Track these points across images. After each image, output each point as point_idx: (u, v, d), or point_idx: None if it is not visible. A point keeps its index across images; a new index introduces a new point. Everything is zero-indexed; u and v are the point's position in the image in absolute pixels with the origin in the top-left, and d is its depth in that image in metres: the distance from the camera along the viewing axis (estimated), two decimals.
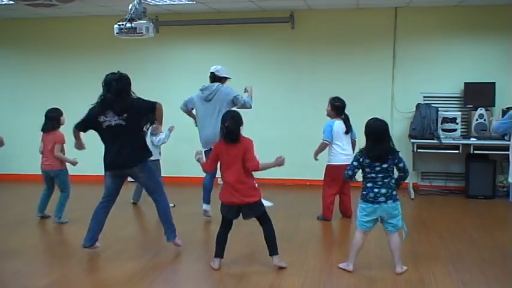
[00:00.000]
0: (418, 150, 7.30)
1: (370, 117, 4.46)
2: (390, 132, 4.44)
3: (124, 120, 4.69)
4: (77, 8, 7.55)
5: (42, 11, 7.87)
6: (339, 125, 5.99)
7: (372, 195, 4.30)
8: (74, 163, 6.19)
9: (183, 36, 8.35)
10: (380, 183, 4.29)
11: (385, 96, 7.85)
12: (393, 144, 4.40)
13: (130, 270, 4.59)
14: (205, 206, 6.16)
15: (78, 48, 8.63)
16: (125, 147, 4.74)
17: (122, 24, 5.35)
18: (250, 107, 6.08)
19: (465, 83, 7.48)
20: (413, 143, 7.28)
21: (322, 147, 6.06)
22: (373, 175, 4.30)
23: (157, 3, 7.30)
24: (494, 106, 7.32)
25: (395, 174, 4.44)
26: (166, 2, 7.27)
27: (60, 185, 6.18)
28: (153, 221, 6.53)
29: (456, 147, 7.11)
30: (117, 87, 4.71)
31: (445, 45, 7.65)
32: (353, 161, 4.45)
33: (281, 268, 4.50)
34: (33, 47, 8.79)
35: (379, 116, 4.49)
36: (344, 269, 4.50)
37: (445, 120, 7.27)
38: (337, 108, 6.02)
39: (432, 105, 7.49)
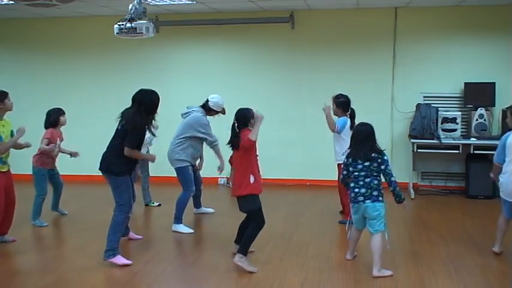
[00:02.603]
0: (418, 150, 7.30)
1: (359, 122, 4.65)
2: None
3: (122, 126, 4.70)
4: (77, 8, 7.55)
5: (42, 11, 7.87)
6: (348, 122, 5.81)
7: (352, 195, 4.45)
8: (51, 149, 5.90)
9: (183, 36, 8.35)
10: (361, 183, 4.38)
11: (385, 96, 7.85)
12: (378, 147, 4.43)
13: (131, 270, 4.59)
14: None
15: (78, 48, 8.63)
16: (107, 150, 4.76)
17: (122, 24, 5.34)
18: (211, 144, 5.84)
19: (465, 83, 7.48)
20: (413, 143, 7.28)
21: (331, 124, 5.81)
22: (356, 174, 4.41)
23: (157, 3, 7.30)
24: (494, 106, 7.32)
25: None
26: (166, 2, 7.27)
27: (34, 183, 5.99)
28: (154, 221, 6.53)
29: (456, 147, 7.10)
30: (137, 102, 4.68)
31: (445, 45, 7.66)
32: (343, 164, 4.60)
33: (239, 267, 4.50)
34: (33, 47, 8.79)
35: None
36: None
37: (445, 120, 7.27)
38: (342, 104, 5.84)
39: (432, 105, 7.49)
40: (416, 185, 7.85)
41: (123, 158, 4.65)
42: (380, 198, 4.39)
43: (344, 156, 5.22)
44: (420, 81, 7.75)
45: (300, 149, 8.12)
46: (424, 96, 7.72)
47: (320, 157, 7.66)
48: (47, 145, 5.93)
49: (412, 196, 7.37)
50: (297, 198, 7.37)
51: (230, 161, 4.77)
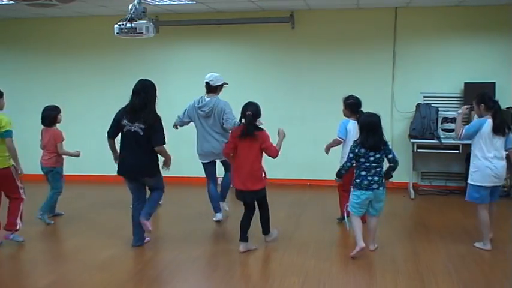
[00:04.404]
0: (418, 150, 7.30)
1: (365, 112, 4.99)
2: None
3: (142, 130, 4.88)
4: (77, 8, 7.55)
5: (42, 11, 7.87)
6: (353, 125, 5.68)
7: (365, 182, 4.73)
8: (77, 155, 6.27)
9: (183, 36, 8.35)
10: (373, 171, 4.73)
11: (385, 96, 7.84)
12: (384, 136, 4.78)
13: (130, 270, 4.59)
14: (217, 216, 6.08)
15: (78, 48, 8.63)
16: (137, 156, 4.94)
17: (122, 24, 5.34)
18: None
19: (465, 83, 7.48)
20: (413, 143, 7.28)
21: (335, 143, 5.81)
22: (367, 164, 4.72)
23: (157, 3, 7.30)
24: None
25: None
26: (166, 2, 7.27)
27: (51, 182, 6.19)
28: (153, 221, 6.53)
29: (456, 147, 7.10)
30: (145, 96, 4.90)
31: (445, 45, 7.65)
32: (349, 153, 4.83)
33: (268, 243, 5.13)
34: (33, 47, 8.79)
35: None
36: (358, 251, 4.78)
37: (445, 120, 7.26)
38: (351, 106, 5.72)
39: (432, 105, 7.48)
40: (416, 185, 7.85)
41: (156, 158, 5.04)
42: (385, 184, 4.85)
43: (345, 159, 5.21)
44: (420, 81, 7.75)
45: (300, 149, 8.11)
46: (424, 96, 7.72)
47: (320, 157, 7.63)
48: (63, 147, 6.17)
49: (412, 196, 7.37)
50: (297, 198, 7.37)
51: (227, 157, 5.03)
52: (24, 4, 6.18)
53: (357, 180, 4.77)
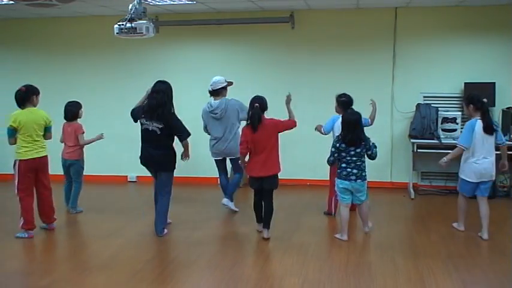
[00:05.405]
0: (418, 150, 7.30)
1: (348, 111, 5.44)
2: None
3: (160, 130, 5.25)
4: (77, 8, 7.56)
5: (43, 11, 7.87)
6: (339, 119, 5.85)
7: (344, 173, 5.25)
8: (100, 138, 6.68)
9: (183, 36, 8.35)
10: (353, 164, 5.22)
11: (385, 96, 7.84)
12: (364, 133, 5.25)
13: (130, 270, 4.59)
14: (224, 200, 6.45)
15: (78, 48, 8.63)
16: (155, 150, 5.35)
17: (122, 24, 5.35)
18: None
19: (465, 83, 7.48)
20: (413, 143, 7.28)
21: (319, 128, 6.29)
22: (348, 158, 5.22)
23: (157, 3, 7.30)
24: (494, 106, 7.30)
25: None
26: (166, 2, 7.27)
27: (74, 174, 6.53)
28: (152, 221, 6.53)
29: (456, 147, 7.09)
30: (160, 97, 5.25)
31: (445, 45, 7.65)
32: (331, 147, 5.32)
33: (265, 239, 5.35)
34: (33, 47, 8.79)
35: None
36: (339, 239, 5.34)
37: (445, 120, 7.26)
38: (343, 103, 6.00)
39: (432, 105, 7.49)
40: (416, 185, 7.85)
41: (174, 155, 5.42)
42: (366, 178, 5.31)
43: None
44: (420, 81, 7.75)
45: (300, 149, 8.12)
46: (424, 96, 7.72)
47: (320, 157, 7.65)
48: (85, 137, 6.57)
49: (412, 196, 7.37)
50: (297, 198, 7.37)
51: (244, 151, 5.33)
52: (24, 4, 6.19)
53: (338, 171, 5.32)
